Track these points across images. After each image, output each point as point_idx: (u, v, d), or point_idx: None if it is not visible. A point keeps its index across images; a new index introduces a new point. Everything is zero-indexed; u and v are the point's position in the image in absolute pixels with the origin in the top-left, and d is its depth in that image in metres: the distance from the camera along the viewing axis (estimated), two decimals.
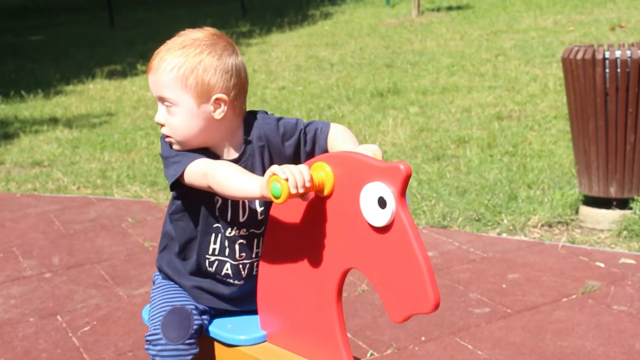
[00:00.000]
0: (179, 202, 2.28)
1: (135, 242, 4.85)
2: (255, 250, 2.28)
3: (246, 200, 2.20)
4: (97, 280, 4.34)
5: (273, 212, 2.11)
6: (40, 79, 11.38)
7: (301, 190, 1.86)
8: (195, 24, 11.32)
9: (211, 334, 2.29)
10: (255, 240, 2.27)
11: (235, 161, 2.19)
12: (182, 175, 2.14)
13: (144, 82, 10.78)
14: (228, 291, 2.32)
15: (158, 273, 2.46)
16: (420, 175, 5.62)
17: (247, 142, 2.22)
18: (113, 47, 14.41)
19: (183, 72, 2.13)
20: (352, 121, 7.45)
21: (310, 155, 2.22)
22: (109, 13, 18.35)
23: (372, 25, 14.61)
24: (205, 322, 2.31)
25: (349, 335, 3.43)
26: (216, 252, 2.27)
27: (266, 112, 2.29)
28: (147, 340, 2.24)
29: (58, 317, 3.91)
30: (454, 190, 5.23)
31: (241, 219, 2.24)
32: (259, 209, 2.24)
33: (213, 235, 2.26)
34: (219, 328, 2.28)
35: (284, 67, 11.06)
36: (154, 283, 2.44)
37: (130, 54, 13.39)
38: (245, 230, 2.25)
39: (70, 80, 11.29)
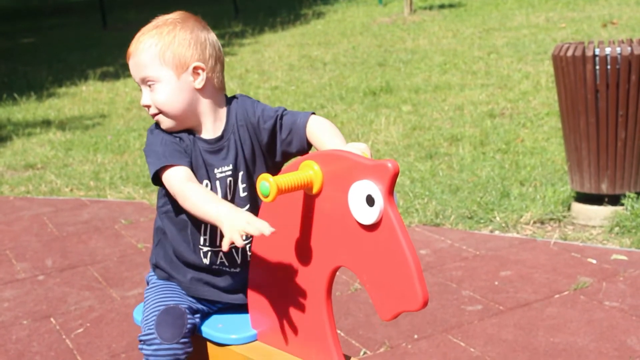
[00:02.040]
0: (166, 196, 2.30)
1: (128, 244, 4.85)
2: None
3: (230, 183, 2.24)
4: (91, 282, 4.34)
5: (262, 210, 2.11)
6: (32, 82, 11.37)
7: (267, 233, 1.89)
8: None
9: (203, 334, 2.29)
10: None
11: (217, 139, 2.24)
12: (160, 174, 2.19)
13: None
14: (225, 283, 2.33)
15: (152, 273, 2.46)
16: (413, 173, 5.63)
17: (228, 121, 2.27)
18: (105, 49, 14.39)
19: (160, 48, 2.21)
20: (345, 120, 7.46)
21: (289, 144, 2.23)
22: (101, 15, 18.33)
23: (365, 24, 14.61)
24: (198, 321, 2.32)
25: (341, 333, 3.45)
26: (207, 243, 2.29)
27: (248, 96, 2.34)
28: (140, 340, 2.24)
29: (51, 319, 3.91)
30: (446, 188, 5.24)
31: (228, 198, 2.25)
32: (241, 186, 2.26)
33: (203, 225, 2.27)
34: (210, 328, 2.29)
35: (277, 66, 11.06)
36: (147, 283, 2.45)
37: (123, 55, 13.15)
38: None
39: (63, 82, 11.28)
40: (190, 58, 2.22)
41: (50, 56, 14.06)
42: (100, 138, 7.65)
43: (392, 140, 6.62)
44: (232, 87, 9.66)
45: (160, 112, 2.23)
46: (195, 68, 2.22)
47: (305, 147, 2.22)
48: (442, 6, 15.97)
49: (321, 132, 2.19)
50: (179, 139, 2.23)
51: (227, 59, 12.14)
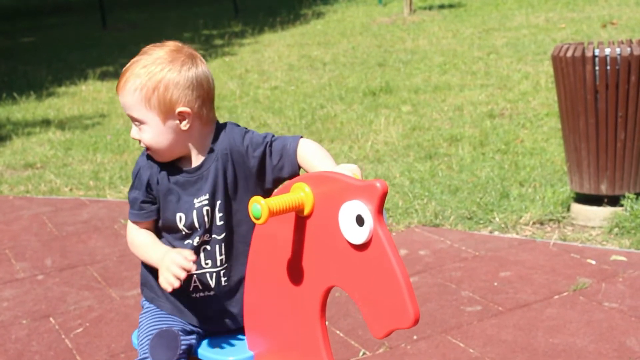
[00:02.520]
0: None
1: (127, 244, 4.84)
2: (219, 258, 2.31)
3: (207, 213, 2.27)
4: (90, 281, 4.34)
5: (256, 233, 2.13)
6: (32, 81, 11.37)
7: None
8: (187, 24, 11.33)
9: (200, 356, 2.30)
10: (217, 246, 2.30)
11: (196, 169, 2.27)
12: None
13: None
14: (202, 308, 2.35)
15: (144, 299, 2.48)
16: (412, 174, 5.63)
17: (210, 151, 2.28)
18: (105, 49, 14.39)
19: (145, 92, 2.20)
20: (345, 120, 7.46)
21: (280, 169, 2.24)
22: (101, 14, 18.32)
23: (365, 24, 14.62)
24: (194, 342, 2.33)
25: (341, 334, 3.45)
26: None
27: (237, 125, 2.34)
28: None
29: (51, 319, 3.92)
30: (446, 189, 5.24)
31: (206, 226, 2.27)
32: (218, 215, 2.28)
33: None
34: (208, 350, 2.30)
35: (277, 66, 11.06)
36: (142, 307, 2.46)
37: (123, 55, 13.36)
38: (208, 235, 2.28)
39: (63, 82, 11.28)
40: (176, 103, 2.21)
41: (50, 55, 14.06)
42: (99, 138, 7.65)
43: (392, 140, 6.62)
44: (231, 88, 9.67)
45: (148, 148, 2.28)
46: (180, 113, 2.22)
47: (297, 171, 2.24)
48: (441, 6, 15.98)
49: (311, 155, 2.20)
50: (146, 184, 2.30)
51: (226, 59, 12.15)
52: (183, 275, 2.09)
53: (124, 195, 5.83)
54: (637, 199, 4.49)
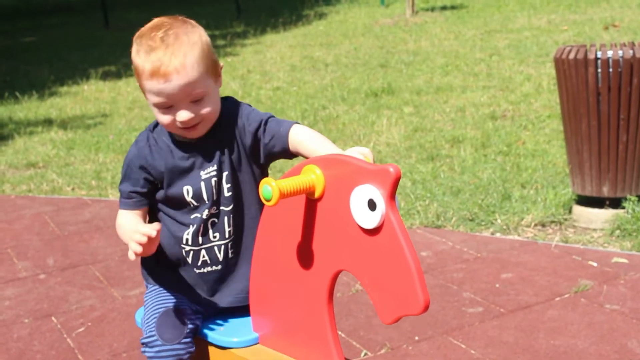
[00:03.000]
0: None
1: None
2: (227, 230, 2.30)
3: (215, 183, 2.25)
4: (92, 281, 4.34)
5: (264, 214, 2.12)
6: (34, 81, 11.38)
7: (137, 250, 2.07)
8: None
9: (204, 337, 2.29)
10: (226, 218, 2.29)
11: (203, 138, 2.26)
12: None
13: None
14: (207, 286, 2.35)
15: (149, 281, 2.47)
16: (414, 175, 5.63)
17: (217, 122, 2.27)
18: (107, 48, 14.40)
19: (205, 60, 2.18)
20: (347, 121, 7.47)
21: (271, 149, 2.24)
22: (103, 14, 18.34)
23: (367, 25, 14.62)
24: (199, 323, 2.32)
25: (342, 334, 3.46)
26: (189, 242, 2.30)
27: (235, 99, 2.35)
28: (143, 343, 2.25)
29: (53, 318, 3.92)
30: (447, 190, 5.25)
31: (214, 197, 2.27)
32: (226, 186, 2.27)
33: (185, 226, 2.30)
34: (212, 330, 2.29)
35: (279, 67, 11.07)
36: (147, 287, 2.46)
37: (125, 54, 13.28)
38: (215, 208, 2.28)
39: (65, 81, 11.29)
40: (217, 61, 2.24)
41: (51, 55, 14.07)
42: (102, 137, 7.66)
43: (394, 141, 6.63)
44: (234, 88, 9.67)
45: (201, 121, 2.21)
46: (220, 68, 2.25)
47: (287, 149, 2.22)
48: (444, 8, 15.98)
49: (308, 141, 2.18)
50: (142, 172, 2.29)
51: (228, 59, 12.16)
52: (144, 240, 2.03)
53: None
54: (639, 201, 4.50)
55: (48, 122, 8.64)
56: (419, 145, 6.47)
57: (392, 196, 1.77)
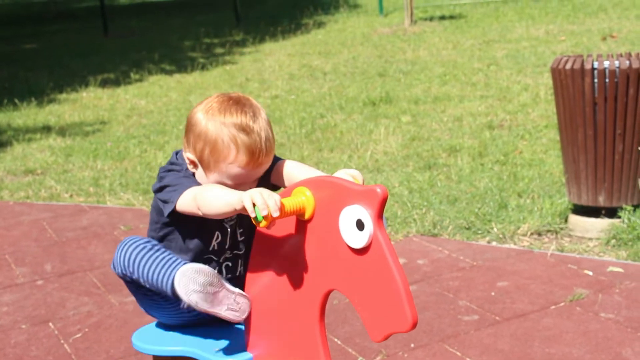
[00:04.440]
0: (169, 229, 2.32)
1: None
2: (239, 269, 2.36)
3: (235, 230, 2.29)
4: (89, 287, 4.36)
5: (257, 236, 2.16)
6: (33, 87, 11.39)
7: (275, 215, 1.90)
8: (188, 32, 11.36)
9: (199, 357, 2.31)
10: (239, 260, 2.35)
11: None
12: (177, 203, 2.19)
13: (137, 90, 10.82)
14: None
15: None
16: (411, 183, 5.65)
17: None
18: (107, 56, 14.42)
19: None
20: (345, 130, 7.49)
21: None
22: (102, 21, 18.36)
23: (365, 35, 14.65)
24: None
25: (338, 342, 3.47)
26: (214, 254, 2.34)
27: None
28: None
29: (50, 324, 3.93)
30: (444, 199, 5.26)
31: (227, 243, 2.31)
32: (239, 231, 2.33)
33: (210, 238, 2.32)
34: (207, 351, 2.31)
35: (277, 75, 11.10)
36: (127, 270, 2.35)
37: (124, 62, 13.41)
38: (229, 252, 2.34)
39: (64, 88, 11.31)
40: None
41: (51, 62, 14.08)
42: (100, 144, 7.68)
43: (391, 150, 6.65)
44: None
45: None
46: None
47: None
48: (442, 17, 16.01)
49: (296, 170, 2.26)
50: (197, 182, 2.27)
51: (227, 68, 12.19)
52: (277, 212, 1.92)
53: (123, 201, 5.85)
54: (634, 210, 4.52)
55: (47, 129, 8.66)
56: (416, 154, 6.49)
57: (379, 216, 1.82)
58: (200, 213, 2.10)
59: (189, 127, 2.23)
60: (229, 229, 2.30)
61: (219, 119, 2.16)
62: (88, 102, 10.29)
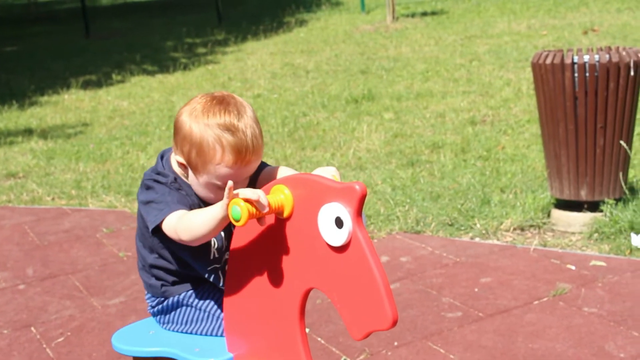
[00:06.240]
0: (161, 242, 2.32)
1: (110, 252, 4.84)
2: (222, 280, 2.35)
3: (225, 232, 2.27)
4: (72, 291, 4.33)
5: (235, 235, 2.14)
6: (14, 90, 11.33)
7: (264, 210, 1.90)
8: (170, 33, 11.29)
9: (179, 358, 2.30)
10: (220, 272, 2.35)
11: None
12: (161, 223, 2.17)
13: (119, 91, 10.78)
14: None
15: (158, 296, 2.43)
16: (394, 180, 5.65)
17: None
18: (88, 57, 14.37)
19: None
20: (327, 128, 7.48)
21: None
22: (84, 23, 18.29)
23: (347, 32, 14.65)
24: None
25: (322, 341, 3.46)
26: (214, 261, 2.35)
27: None
28: None
29: (32, 328, 3.91)
30: (427, 196, 5.26)
31: (224, 245, 2.31)
32: (220, 244, 2.32)
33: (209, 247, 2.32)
34: (187, 352, 2.29)
35: (260, 74, 11.08)
36: (164, 309, 2.44)
37: (106, 63, 13.36)
38: (227, 254, 2.32)
39: (45, 90, 11.25)
40: None
41: (32, 64, 14.02)
42: (82, 147, 7.64)
43: (374, 147, 6.64)
44: None
45: None
46: None
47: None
48: (424, 14, 16.03)
49: (275, 173, 2.28)
50: (184, 195, 2.24)
51: (209, 67, 12.16)
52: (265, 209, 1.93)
53: (106, 204, 5.82)
54: (616, 204, 4.53)
55: (28, 132, 8.61)
56: (399, 151, 6.48)
57: (358, 213, 1.80)
58: (183, 240, 2.10)
59: (175, 130, 2.21)
60: (222, 232, 2.28)
61: (202, 120, 2.13)
62: (70, 104, 10.24)
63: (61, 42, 17.23)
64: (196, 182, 2.21)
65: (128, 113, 9.25)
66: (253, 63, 12.17)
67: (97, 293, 4.27)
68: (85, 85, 11.47)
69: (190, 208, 2.19)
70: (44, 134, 8.42)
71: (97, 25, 19.27)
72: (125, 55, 14.03)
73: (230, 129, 2.11)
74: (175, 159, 2.23)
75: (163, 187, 2.22)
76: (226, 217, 1.96)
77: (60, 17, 24.37)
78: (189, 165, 2.19)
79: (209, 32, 16.76)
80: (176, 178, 2.26)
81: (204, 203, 2.24)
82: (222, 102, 2.16)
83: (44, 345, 3.71)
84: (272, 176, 2.27)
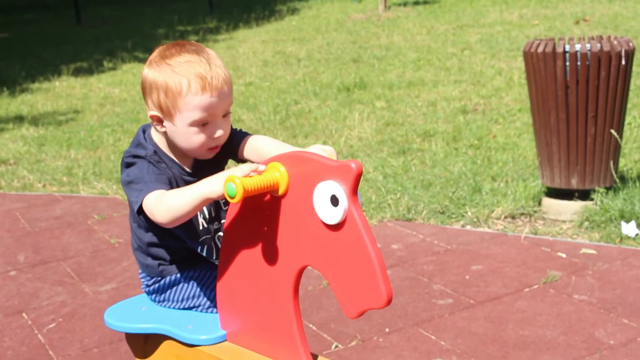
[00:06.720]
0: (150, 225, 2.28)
1: (101, 239, 4.84)
2: (215, 253, 2.34)
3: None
4: (63, 277, 4.33)
5: (230, 212, 2.13)
6: (5, 77, 11.30)
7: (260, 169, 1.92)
8: (162, 20, 11.26)
9: (172, 335, 2.29)
10: (212, 243, 2.34)
11: (202, 162, 2.26)
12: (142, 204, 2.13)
13: (111, 79, 10.75)
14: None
15: (153, 276, 2.41)
16: (386, 169, 5.65)
17: None
18: (80, 45, 14.33)
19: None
20: (319, 116, 7.48)
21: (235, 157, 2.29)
22: (75, 10, 18.23)
23: (339, 20, 14.64)
24: None
25: (313, 327, 3.47)
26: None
27: None
28: None
29: (23, 314, 3.91)
30: (419, 184, 5.27)
31: (213, 214, 2.30)
32: (224, 208, 2.30)
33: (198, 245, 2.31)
34: (180, 328, 2.28)
35: (251, 62, 11.06)
36: (155, 290, 2.42)
37: (97, 51, 13.33)
38: (217, 222, 2.32)
39: (36, 77, 11.22)
40: None
41: (23, 51, 13.97)
42: (73, 134, 7.63)
43: (366, 136, 6.65)
44: None
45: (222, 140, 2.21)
46: None
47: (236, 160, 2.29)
48: (416, 3, 16.02)
49: (269, 143, 2.23)
50: (164, 168, 2.21)
51: None
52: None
53: (97, 190, 5.82)
54: (607, 193, 4.54)
55: (19, 119, 8.59)
56: (391, 139, 6.49)
57: (354, 192, 1.80)
58: (161, 222, 2.07)
59: (142, 88, 2.20)
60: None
61: (162, 63, 2.14)
62: (61, 91, 10.21)
63: (52, 30, 17.18)
64: (175, 130, 2.17)
65: (119, 100, 9.24)
66: (245, 51, 12.15)
67: (88, 279, 4.27)
68: (77, 72, 11.44)
69: (170, 183, 2.17)
70: (35, 121, 8.40)
71: (88, 13, 19.21)
72: (116, 43, 13.99)
73: (189, 60, 2.12)
74: (149, 114, 2.19)
75: (142, 161, 2.19)
76: (210, 196, 1.95)
77: (51, 4, 24.26)
78: (162, 113, 2.16)
79: (201, 20, 16.72)
80: (156, 151, 2.23)
81: (185, 174, 2.23)
82: (178, 45, 2.18)
83: (36, 331, 3.71)
84: (255, 147, 2.25)
